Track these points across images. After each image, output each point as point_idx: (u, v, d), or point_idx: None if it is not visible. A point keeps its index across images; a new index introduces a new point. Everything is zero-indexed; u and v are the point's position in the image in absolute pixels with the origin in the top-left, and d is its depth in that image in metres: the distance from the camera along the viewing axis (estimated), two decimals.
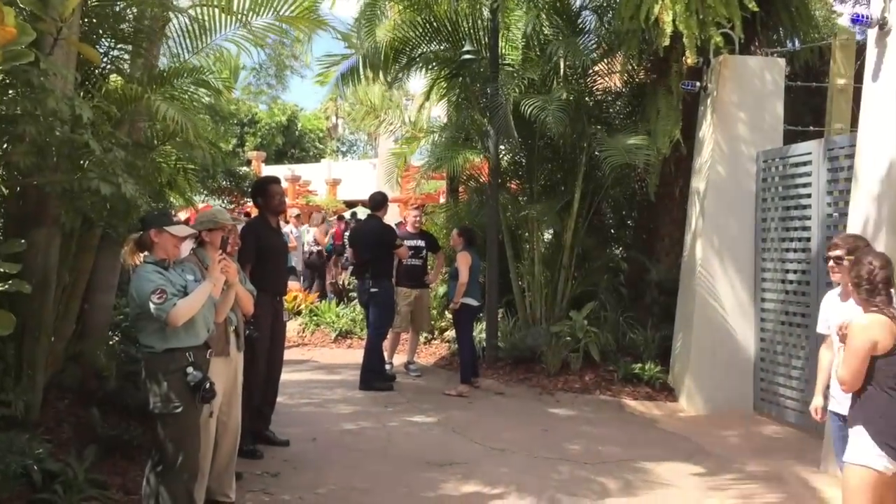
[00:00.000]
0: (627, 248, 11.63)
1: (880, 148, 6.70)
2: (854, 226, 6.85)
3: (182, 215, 10.25)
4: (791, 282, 8.33)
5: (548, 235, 11.37)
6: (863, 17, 6.92)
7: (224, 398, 5.24)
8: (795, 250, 8.31)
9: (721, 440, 7.64)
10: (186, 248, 5.10)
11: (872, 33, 6.98)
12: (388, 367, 10.09)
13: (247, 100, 34.00)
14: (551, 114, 8.97)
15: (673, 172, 10.28)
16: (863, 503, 3.70)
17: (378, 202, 9.90)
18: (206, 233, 5.25)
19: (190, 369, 4.48)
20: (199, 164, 7.00)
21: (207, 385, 4.51)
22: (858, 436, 3.75)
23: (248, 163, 25.60)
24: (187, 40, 6.85)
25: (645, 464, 6.71)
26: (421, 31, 10.52)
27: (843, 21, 11.40)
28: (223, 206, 11.78)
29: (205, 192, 11.67)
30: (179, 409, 4.45)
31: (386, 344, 10.07)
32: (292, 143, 44.29)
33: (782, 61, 9.47)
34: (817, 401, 4.89)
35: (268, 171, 25.88)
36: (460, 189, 13.09)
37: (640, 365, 9.40)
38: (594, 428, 7.95)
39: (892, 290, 4.63)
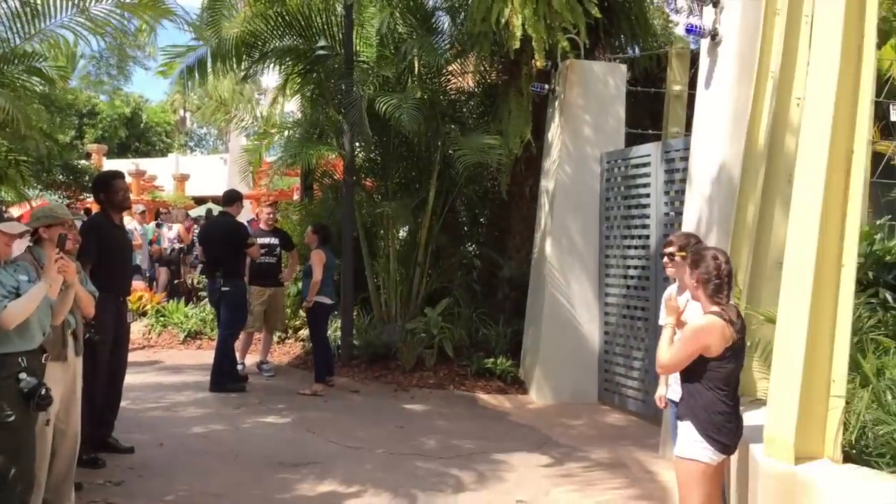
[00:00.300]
0: (480, 246, 11.88)
1: (712, 151, 7.18)
2: (688, 224, 7.31)
3: (15, 212, 9.61)
4: (632, 277, 8.79)
5: (403, 233, 11.46)
6: (696, 27, 7.39)
7: (61, 405, 4.96)
8: (636, 247, 8.77)
9: (568, 430, 7.97)
10: (20, 246, 4.78)
11: (705, 43, 7.46)
12: (240, 367, 9.86)
13: (85, 90, 32.20)
14: (406, 112, 9.04)
15: (523, 172, 10.61)
16: (695, 495, 3.90)
17: (230, 199, 9.66)
18: (43, 229, 4.96)
19: (23, 375, 4.21)
20: (33, 157, 6.59)
21: (43, 392, 4.25)
22: (686, 430, 3.91)
23: (88, 156, 24.22)
24: (18, 24, 6.43)
25: (497, 455, 6.89)
26: (273, 24, 10.32)
27: (680, 31, 12.11)
28: (60, 201, 11.12)
29: (39, 186, 10.99)
30: (12, 418, 4.17)
31: (238, 344, 9.84)
32: (137, 136, 42.36)
33: (624, 67, 9.97)
34: (661, 390, 5.21)
35: (110, 165, 24.61)
36: (315, 186, 12.96)
37: (492, 359, 9.66)
38: (448, 422, 8.09)
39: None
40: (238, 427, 7.67)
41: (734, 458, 4.83)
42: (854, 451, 3.81)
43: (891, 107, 9.89)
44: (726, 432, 3.86)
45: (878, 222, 7.78)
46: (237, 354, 9.82)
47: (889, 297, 5.68)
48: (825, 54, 4.02)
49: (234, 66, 10.65)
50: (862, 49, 4.00)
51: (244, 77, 11.42)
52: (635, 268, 8.75)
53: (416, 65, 10.27)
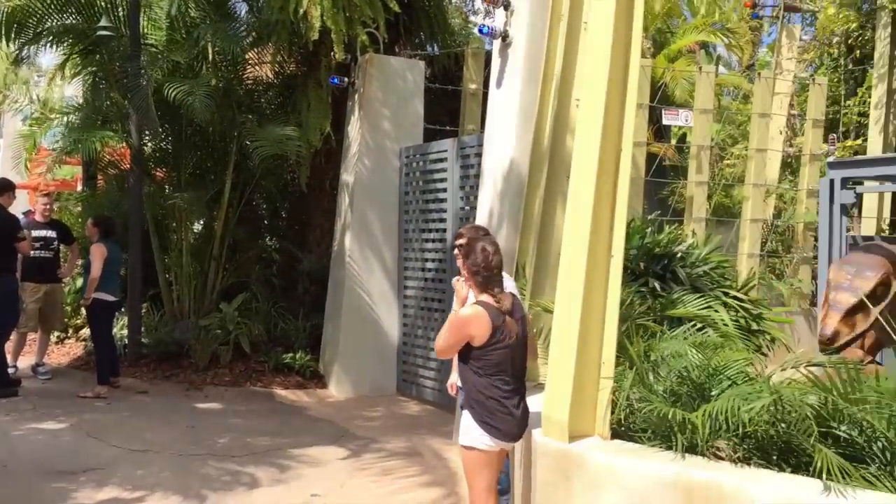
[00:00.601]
0: (280, 239, 11.71)
1: (502, 148, 7.51)
2: (481, 218, 7.61)
3: None
4: (430, 270, 9.02)
5: (198, 226, 11.06)
6: (489, 28, 7.69)
7: None
8: (433, 241, 9.01)
9: (367, 422, 8.05)
10: None
11: (497, 44, 7.79)
12: (11, 370, 9.10)
13: None
14: (198, 99, 8.73)
15: (324, 165, 10.57)
16: (478, 481, 4.01)
17: (0, 188, 8.89)
18: None
19: None
20: None
21: None
22: (464, 418, 4.02)
23: None
24: None
25: (294, 451, 6.85)
26: (49, 1, 9.61)
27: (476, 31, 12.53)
28: None
29: None
30: None
31: (9, 346, 9.08)
32: None
33: (422, 63, 10.18)
34: (453, 377, 5.38)
35: None
36: (99, 176, 12.18)
37: (291, 354, 9.56)
38: (244, 420, 7.92)
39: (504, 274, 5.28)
40: (8, 435, 7.08)
41: (518, 442, 5.11)
42: (622, 428, 4.14)
43: (663, 111, 10.78)
44: (501, 418, 3.92)
45: (649, 217, 8.49)
46: (8, 357, 9.06)
47: (657, 286, 6.21)
48: (596, 60, 4.32)
49: (4, 44, 9.80)
50: (629, 57, 4.34)
51: (16, 59, 10.50)
52: (432, 261, 8.98)
53: (211, 51, 9.95)
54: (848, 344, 4.55)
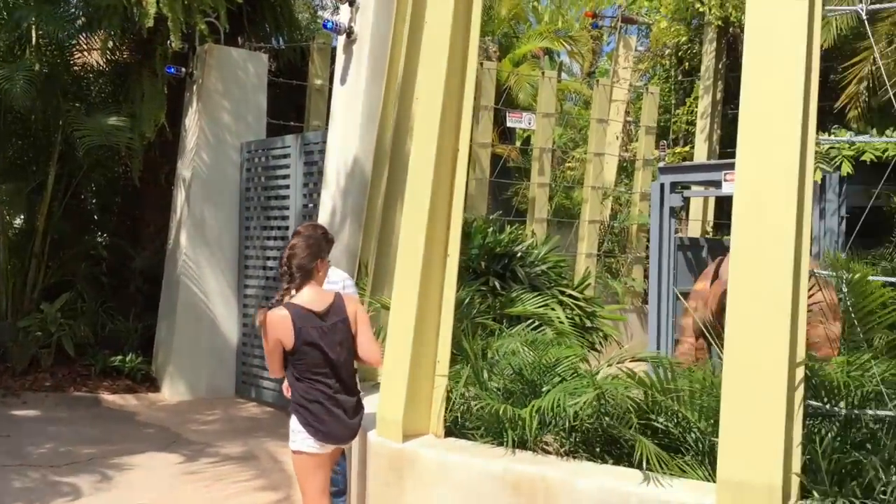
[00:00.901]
0: (111, 236, 11.11)
1: (346, 146, 7.46)
2: (323, 216, 7.53)
3: None
4: (272, 269, 8.83)
5: (19, 220, 10.32)
6: (333, 24, 7.61)
7: None
8: (275, 238, 8.82)
9: (202, 426, 7.78)
10: None
11: (341, 40, 7.73)
12: None
13: None
14: (18, 85, 8.16)
15: (159, 158, 10.11)
16: (309, 485, 3.91)
17: None
18: None
19: None
20: None
21: None
22: (292, 422, 3.91)
23: None
24: None
25: (121, 459, 6.52)
26: None
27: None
28: None
29: None
30: None
31: None
32: None
33: (265, 56, 9.96)
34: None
35: None
36: None
37: (120, 357, 9.10)
38: (66, 427, 7.46)
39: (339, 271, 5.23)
40: None
41: (355, 443, 5.08)
42: (457, 426, 4.19)
43: (508, 114, 11.05)
44: (326, 420, 3.83)
45: (491, 217, 8.69)
46: None
47: (497, 285, 6.36)
48: (433, 60, 4.36)
49: None
50: (467, 57, 4.40)
51: None
52: (275, 259, 8.79)
53: (35, 35, 9.30)
54: None
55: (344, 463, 5.27)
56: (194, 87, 9.39)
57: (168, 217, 9.79)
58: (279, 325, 3.77)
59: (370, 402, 4.67)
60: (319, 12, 14.83)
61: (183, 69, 9.30)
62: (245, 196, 9.29)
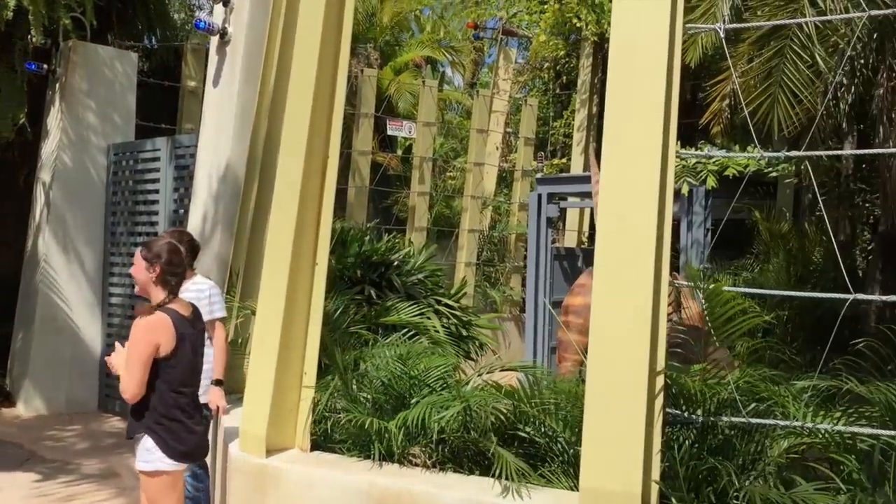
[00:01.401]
0: None
1: (218, 150, 7.20)
2: (193, 223, 7.24)
3: None
4: None
5: None
6: (206, 24, 7.35)
7: None
8: (147, 233, 8.44)
9: (60, 443, 7.33)
10: None
11: (214, 41, 7.46)
12: None
13: None
14: None
15: (17, 159, 9.50)
16: None
17: None
18: None
19: None
20: None
21: None
22: (146, 441, 3.65)
23: None
24: None
25: None
26: None
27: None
28: None
29: None
30: None
31: None
32: None
33: (135, 55, 9.54)
34: None
35: None
36: None
37: None
38: None
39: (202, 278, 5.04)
40: None
41: (218, 456, 4.88)
42: (325, 440, 4.07)
43: (388, 122, 11.00)
44: (185, 437, 3.65)
45: (368, 225, 8.60)
46: None
47: (373, 293, 6.27)
48: (304, 64, 4.25)
49: None
50: (338, 62, 4.31)
51: None
52: None
53: None
54: None
55: (207, 480, 5.06)
56: (57, 86, 8.89)
57: (27, 222, 9.22)
58: (162, 327, 3.58)
59: (234, 416, 4.51)
60: (197, 12, 14.40)
61: (45, 66, 8.79)
62: (112, 200, 8.86)
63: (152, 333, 3.56)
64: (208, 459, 5.26)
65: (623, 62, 3.35)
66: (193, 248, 5.06)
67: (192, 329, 3.75)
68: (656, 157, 3.25)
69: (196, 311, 3.84)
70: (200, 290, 5.01)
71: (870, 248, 9.48)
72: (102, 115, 8.95)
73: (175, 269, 3.75)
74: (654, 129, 3.26)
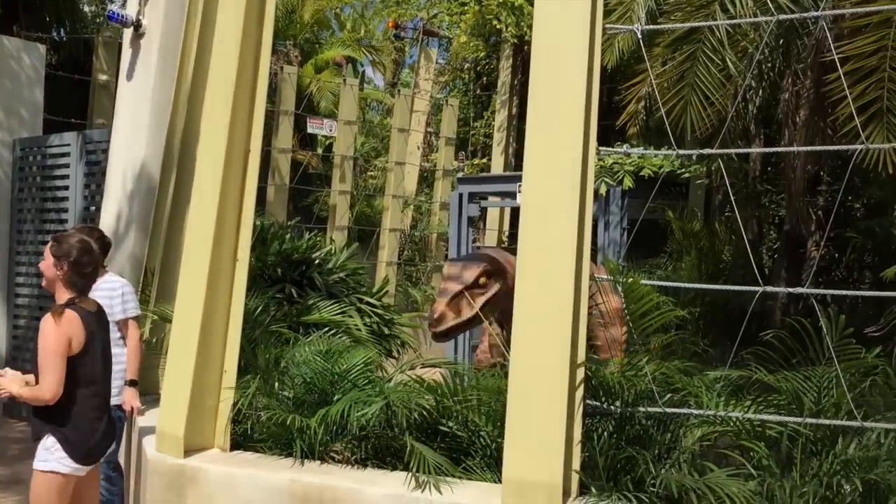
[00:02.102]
0: None
1: (132, 146, 6.99)
2: (106, 222, 7.01)
3: None
4: None
5: None
6: (119, 15, 7.14)
7: None
8: (56, 231, 8.12)
9: None
10: None
11: (128, 33, 7.25)
12: None
13: None
14: None
15: None
16: None
17: None
18: None
19: None
20: None
21: None
22: (47, 440, 3.53)
23: None
24: None
25: None
26: None
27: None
28: None
29: None
30: None
31: None
32: None
33: (43, 47, 9.19)
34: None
35: None
36: None
37: None
38: None
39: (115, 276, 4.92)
40: None
41: (133, 458, 4.75)
42: (245, 440, 4.01)
43: (309, 120, 10.90)
44: (88, 438, 3.56)
45: (289, 224, 8.50)
46: None
47: (294, 292, 6.20)
48: (223, 60, 4.17)
49: None
50: (260, 53, 4.24)
51: None
52: None
53: None
54: (457, 329, 4.81)
55: (121, 482, 4.93)
56: None
57: None
58: (74, 323, 3.49)
59: (149, 417, 4.41)
60: (109, 4, 13.99)
61: None
62: (18, 197, 8.51)
63: (64, 328, 3.46)
64: (122, 461, 5.14)
65: (545, 61, 3.41)
66: (104, 246, 4.93)
67: (99, 327, 3.68)
68: (577, 155, 3.32)
69: (101, 310, 3.76)
70: (112, 289, 4.87)
71: (775, 246, 9.88)
72: (7, 109, 8.59)
73: (84, 268, 3.65)
74: (575, 127, 3.32)
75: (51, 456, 3.52)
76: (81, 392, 3.53)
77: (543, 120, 3.38)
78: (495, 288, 4.84)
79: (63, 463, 3.51)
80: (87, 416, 3.55)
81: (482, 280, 4.78)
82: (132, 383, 4.74)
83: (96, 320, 3.66)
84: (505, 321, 5.29)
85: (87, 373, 3.56)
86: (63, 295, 3.61)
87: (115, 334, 4.77)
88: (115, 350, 4.60)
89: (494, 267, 4.91)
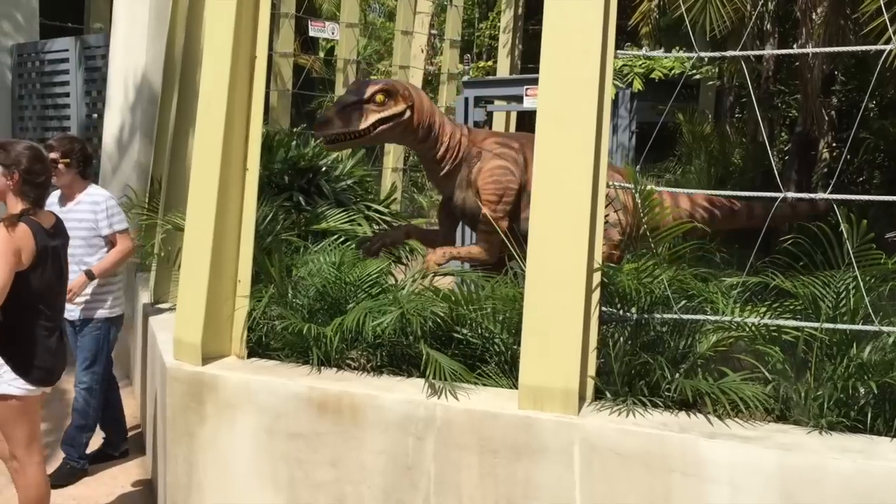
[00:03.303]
0: None
1: (133, 52, 6.85)
2: (110, 130, 6.94)
3: None
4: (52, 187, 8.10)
5: None
6: None
7: None
8: None
9: None
10: None
11: None
12: None
13: None
14: None
15: None
16: (18, 432, 3.52)
17: None
18: None
19: None
20: None
21: None
22: None
23: None
24: None
25: None
26: None
27: None
28: None
29: None
30: None
31: None
32: None
33: None
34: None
35: None
36: None
37: None
38: None
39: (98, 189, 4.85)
40: None
41: (150, 369, 4.81)
42: (261, 347, 4.04)
43: (310, 23, 10.61)
44: (43, 358, 3.50)
45: (294, 130, 8.38)
46: None
47: (302, 200, 6.16)
48: None
49: None
50: None
51: None
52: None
53: None
54: (345, 140, 4.62)
55: (99, 397, 4.93)
56: None
57: None
58: (25, 236, 3.38)
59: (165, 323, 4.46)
60: None
61: None
62: (18, 104, 8.40)
63: (14, 239, 3.35)
64: (139, 371, 5.20)
65: None
66: (86, 157, 4.84)
67: (53, 243, 3.58)
68: (595, 57, 3.21)
69: (59, 225, 3.67)
70: (96, 202, 4.80)
71: (786, 149, 9.75)
72: (4, 15, 8.38)
73: (36, 177, 3.53)
74: (594, 28, 3.21)
75: (2, 378, 3.45)
76: (29, 310, 3.46)
77: (559, 18, 3.26)
78: (394, 110, 4.60)
79: (15, 385, 3.45)
80: (37, 335, 3.48)
81: (379, 97, 4.56)
82: (88, 273, 4.69)
83: (51, 236, 3.57)
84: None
85: (36, 290, 3.46)
86: (16, 206, 3.49)
87: (87, 251, 4.73)
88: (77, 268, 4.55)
89: (402, 91, 4.62)
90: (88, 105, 7.75)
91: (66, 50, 7.89)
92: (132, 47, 6.84)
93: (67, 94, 7.84)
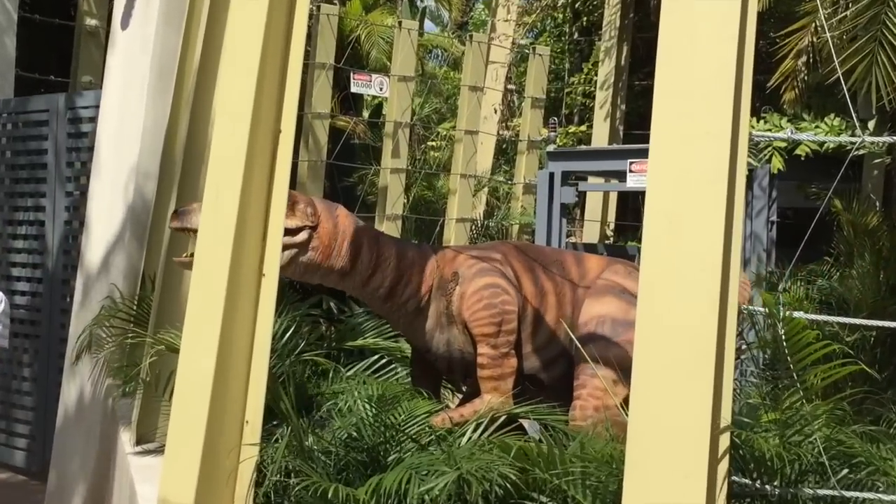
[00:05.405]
0: None
1: (129, 113, 7.08)
2: (95, 212, 7.12)
3: None
4: (20, 280, 8.38)
5: None
6: None
7: None
8: (28, 238, 8.43)
9: None
10: None
11: None
12: None
13: None
14: None
15: None
16: None
17: None
18: None
19: None
20: None
21: None
22: None
23: None
24: None
25: None
26: None
27: None
28: None
29: None
30: None
31: None
32: None
33: None
34: None
35: None
36: None
37: None
38: None
39: None
40: None
41: None
42: None
43: (353, 75, 10.90)
44: None
45: None
46: None
47: (333, 306, 6.20)
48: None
49: None
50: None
51: None
52: (23, 266, 8.32)
53: None
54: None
55: None
56: None
57: None
58: None
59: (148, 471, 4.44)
60: None
61: None
62: None
63: None
64: None
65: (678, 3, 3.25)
66: None
67: None
68: (725, 138, 3.17)
69: None
70: None
71: None
72: None
73: None
74: (723, 102, 3.17)
75: None
76: None
77: (677, 86, 3.23)
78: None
79: None
80: None
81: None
82: None
83: None
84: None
85: None
86: None
87: None
88: None
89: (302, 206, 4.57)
90: (70, 179, 8.03)
91: (46, 110, 8.22)
92: (128, 108, 7.08)
93: (45, 166, 8.14)
